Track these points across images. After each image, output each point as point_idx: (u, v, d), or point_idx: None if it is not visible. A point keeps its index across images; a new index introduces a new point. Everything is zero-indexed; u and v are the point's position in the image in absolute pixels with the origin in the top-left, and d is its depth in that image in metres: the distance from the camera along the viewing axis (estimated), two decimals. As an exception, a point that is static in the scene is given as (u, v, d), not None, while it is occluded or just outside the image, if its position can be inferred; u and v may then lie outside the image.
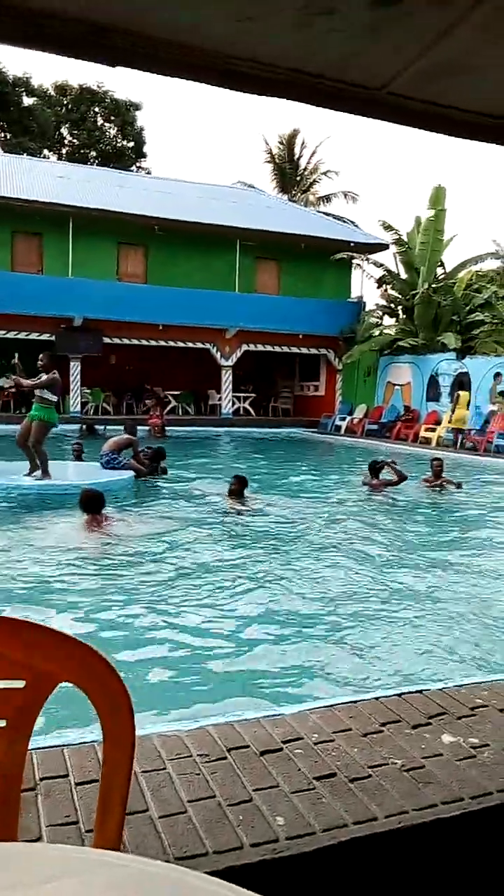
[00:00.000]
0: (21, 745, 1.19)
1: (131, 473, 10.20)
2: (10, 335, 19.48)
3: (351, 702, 2.42)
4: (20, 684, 1.13)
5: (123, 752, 1.13)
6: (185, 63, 1.46)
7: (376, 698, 2.46)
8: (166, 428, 18.37)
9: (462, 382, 18.36)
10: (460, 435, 17.11)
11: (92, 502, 7.20)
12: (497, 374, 17.32)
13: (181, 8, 1.32)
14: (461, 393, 17.91)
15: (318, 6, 1.26)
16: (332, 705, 2.39)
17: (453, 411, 17.92)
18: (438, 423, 18.40)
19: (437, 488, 10.54)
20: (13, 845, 0.94)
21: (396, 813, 1.78)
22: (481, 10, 1.25)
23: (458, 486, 10.81)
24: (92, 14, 1.33)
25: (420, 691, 2.53)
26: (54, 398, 9.46)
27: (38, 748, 2.04)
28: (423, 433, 18.24)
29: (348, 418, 21.18)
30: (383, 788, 1.88)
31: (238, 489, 8.64)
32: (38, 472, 9.36)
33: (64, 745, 2.06)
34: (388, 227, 20.62)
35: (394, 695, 2.49)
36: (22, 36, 1.40)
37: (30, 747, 1.92)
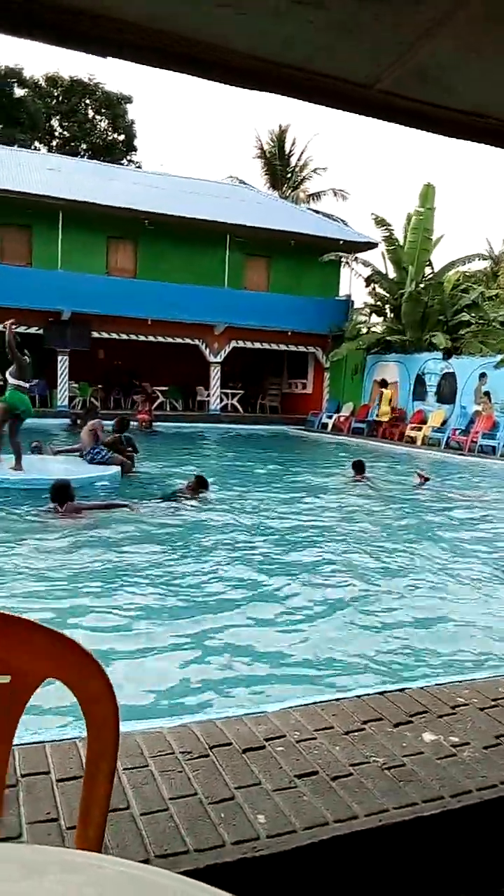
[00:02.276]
0: (5, 742, 1.18)
1: (117, 469, 10.15)
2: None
3: (333, 700, 2.43)
4: (4, 679, 1.12)
5: (107, 749, 1.13)
6: (173, 54, 1.45)
7: (358, 696, 2.46)
8: (154, 423, 18.33)
9: (385, 381, 20.07)
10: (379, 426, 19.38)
11: (60, 492, 7.26)
12: (482, 375, 17.42)
13: None
14: (384, 391, 19.51)
15: (306, 0, 1.26)
16: (314, 703, 2.39)
17: (378, 406, 19.77)
18: (424, 422, 18.49)
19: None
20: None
21: (377, 811, 1.78)
22: (467, 11, 1.25)
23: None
24: (80, 3, 1.32)
25: (402, 689, 2.54)
26: (25, 384, 9.27)
27: (20, 744, 2.02)
28: (408, 432, 18.32)
29: (335, 416, 21.22)
30: (364, 787, 1.89)
31: (196, 487, 8.74)
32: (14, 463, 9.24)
33: (45, 742, 2.05)
34: (380, 223, 20.57)
35: (376, 693, 2.50)
36: (10, 24, 1.39)
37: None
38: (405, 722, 2.27)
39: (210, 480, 9.13)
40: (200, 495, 8.74)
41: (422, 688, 2.56)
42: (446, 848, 1.86)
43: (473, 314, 20.00)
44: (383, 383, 19.88)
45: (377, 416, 19.50)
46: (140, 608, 4.82)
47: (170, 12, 1.36)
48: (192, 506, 8.39)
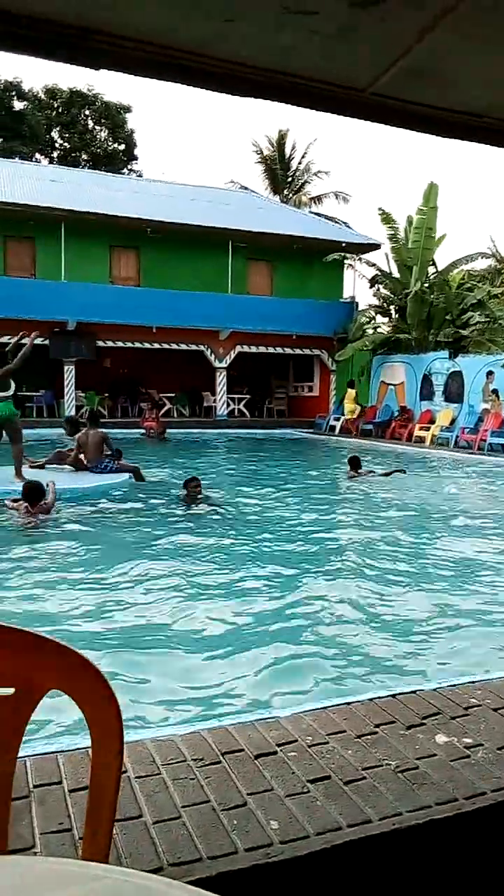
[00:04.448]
0: (10, 753, 1.18)
1: (125, 476, 10.13)
2: (3, 339, 19.42)
3: (345, 703, 2.42)
4: (9, 691, 1.12)
5: (112, 758, 1.13)
6: (166, 65, 1.45)
7: (370, 699, 2.45)
8: (167, 430, 18.33)
9: (352, 381, 21.50)
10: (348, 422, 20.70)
11: (33, 492, 7.50)
12: (489, 373, 17.36)
13: (162, 9, 1.31)
14: (349, 390, 20.93)
15: (298, 7, 1.26)
16: (326, 707, 2.38)
17: (338, 404, 21.70)
18: (433, 422, 18.46)
19: None
20: (2, 858, 0.93)
21: (390, 815, 1.77)
22: (458, 12, 1.25)
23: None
24: (72, 17, 1.32)
25: (414, 691, 2.52)
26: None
27: (32, 755, 2.02)
28: (417, 432, 18.29)
29: (342, 418, 21.21)
30: (377, 790, 1.88)
31: (193, 493, 8.72)
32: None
33: (58, 752, 2.05)
34: (386, 220, 20.52)
35: (388, 695, 2.49)
36: (14, 42, 1.39)
37: (24, 754, 1.92)
38: (418, 724, 2.25)
39: (218, 485, 9.12)
40: (200, 498, 8.71)
41: (434, 689, 2.55)
42: (461, 851, 1.84)
43: (479, 312, 19.96)
44: (351, 383, 21.29)
45: (343, 414, 20.87)
46: (136, 612, 4.82)
47: (166, 26, 1.37)
48: (194, 511, 8.39)
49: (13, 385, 9.39)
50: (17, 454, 9.26)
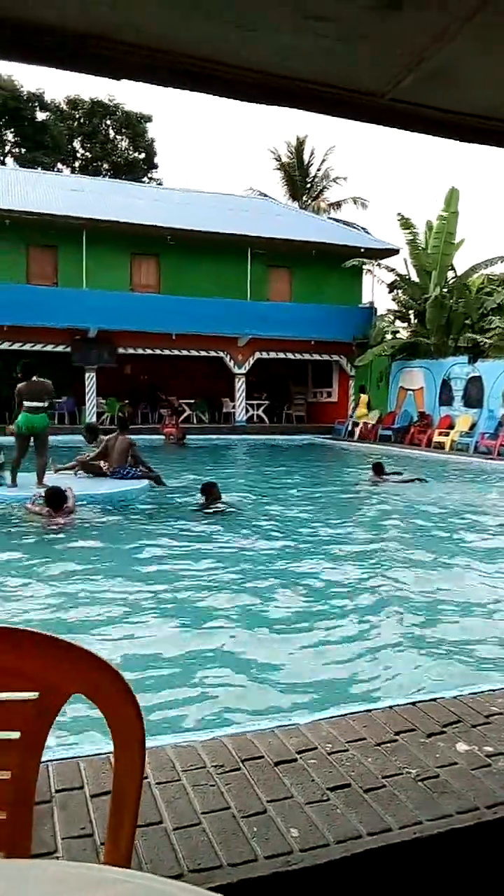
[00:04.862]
0: (34, 758, 1.19)
1: (144, 483, 10.18)
2: (26, 347, 19.68)
3: (365, 711, 2.41)
4: (33, 696, 1.13)
5: (134, 764, 1.14)
6: (183, 73, 1.47)
7: (390, 707, 2.44)
8: (186, 436, 18.42)
9: (363, 387, 22.33)
10: (357, 426, 21.16)
11: (55, 498, 7.70)
12: (510, 377, 17.21)
13: (177, 18, 1.33)
14: (362, 395, 21.80)
15: (314, 13, 1.27)
16: (345, 714, 2.38)
17: (355, 408, 22.01)
18: (452, 427, 18.33)
19: None
20: (21, 862, 0.94)
21: (411, 823, 1.76)
22: (477, 16, 1.25)
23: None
24: (89, 26, 1.33)
25: (434, 699, 2.51)
26: (28, 403, 9.46)
27: (54, 760, 2.04)
28: (436, 438, 18.17)
29: (361, 424, 21.14)
30: (398, 799, 1.87)
31: (208, 500, 8.72)
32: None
33: (79, 757, 2.07)
34: (405, 225, 20.44)
35: (408, 703, 2.47)
36: (19, 50, 1.41)
37: (46, 759, 1.94)
38: (438, 732, 2.24)
39: (236, 490, 9.12)
40: (218, 506, 8.71)
41: (454, 697, 2.53)
42: (483, 860, 1.83)
43: (499, 317, 19.79)
44: (362, 389, 22.15)
45: (355, 418, 21.42)
46: (156, 617, 4.83)
47: (182, 33, 1.38)
48: (212, 516, 8.40)
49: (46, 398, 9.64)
50: (41, 462, 9.44)
